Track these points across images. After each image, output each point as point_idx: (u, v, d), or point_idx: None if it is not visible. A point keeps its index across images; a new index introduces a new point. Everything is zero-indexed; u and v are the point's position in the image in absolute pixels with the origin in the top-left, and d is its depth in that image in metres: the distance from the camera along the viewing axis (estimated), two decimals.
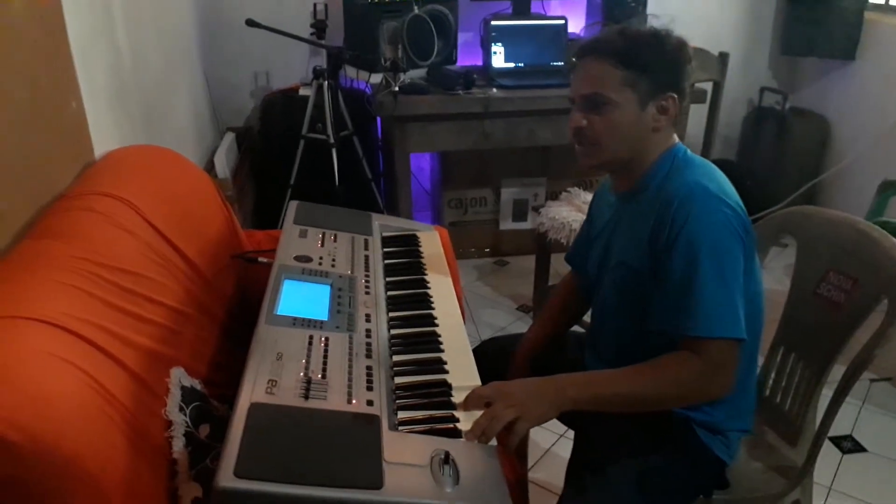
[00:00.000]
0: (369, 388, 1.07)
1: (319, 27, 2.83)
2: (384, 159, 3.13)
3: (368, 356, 1.16)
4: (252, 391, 0.99)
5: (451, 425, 1.05)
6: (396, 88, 2.40)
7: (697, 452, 1.24)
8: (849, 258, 1.35)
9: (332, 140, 2.61)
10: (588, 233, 1.46)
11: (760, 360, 1.50)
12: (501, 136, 2.72)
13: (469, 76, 2.69)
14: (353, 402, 1.03)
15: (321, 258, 1.44)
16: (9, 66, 1.19)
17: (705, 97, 2.81)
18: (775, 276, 2.69)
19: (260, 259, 1.59)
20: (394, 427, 1.02)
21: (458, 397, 1.11)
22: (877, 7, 3.16)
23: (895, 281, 1.24)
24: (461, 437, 1.02)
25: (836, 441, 2.10)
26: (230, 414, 0.95)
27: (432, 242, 1.69)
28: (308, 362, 1.09)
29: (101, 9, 1.69)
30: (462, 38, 2.96)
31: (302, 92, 2.83)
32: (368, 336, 1.22)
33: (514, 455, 1.30)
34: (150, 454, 1.03)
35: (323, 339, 1.16)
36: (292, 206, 1.65)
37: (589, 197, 2.21)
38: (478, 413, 1.06)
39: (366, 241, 1.58)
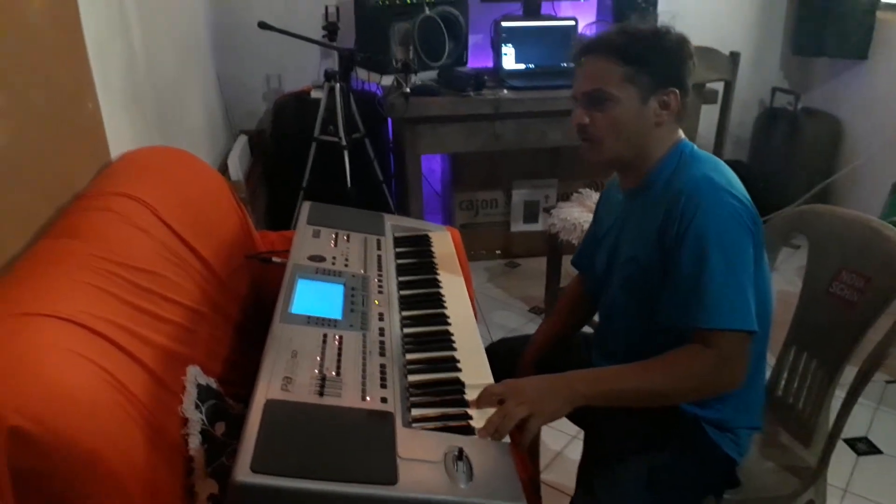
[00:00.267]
0: (383, 386, 1.08)
1: (331, 29, 2.84)
2: (395, 161, 3.14)
3: (382, 354, 1.17)
4: (268, 388, 1.00)
5: (465, 422, 1.05)
6: (408, 90, 2.41)
7: (707, 450, 1.24)
8: (861, 257, 1.35)
9: (343, 142, 2.63)
10: (595, 234, 1.46)
11: (773, 360, 1.50)
12: (512, 137, 2.72)
13: (480, 77, 2.70)
14: (368, 399, 1.04)
15: (334, 258, 1.45)
16: (27, 68, 1.21)
17: (716, 97, 2.80)
18: (787, 277, 2.68)
19: (274, 259, 1.61)
20: (407, 424, 1.02)
21: (471, 395, 1.12)
22: (889, 6, 3.14)
23: None
24: (474, 434, 1.03)
25: (851, 443, 2.09)
26: (246, 411, 0.96)
27: (444, 243, 1.70)
28: (322, 360, 1.10)
29: (117, 11, 1.71)
30: (473, 39, 2.97)
31: (314, 94, 2.85)
32: (382, 334, 1.23)
33: (526, 453, 1.30)
34: (167, 451, 1.04)
35: (337, 337, 1.17)
36: (305, 207, 1.66)
37: None
38: (491, 410, 1.07)
39: (378, 242, 1.59)
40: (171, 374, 1.14)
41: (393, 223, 1.72)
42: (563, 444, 2.00)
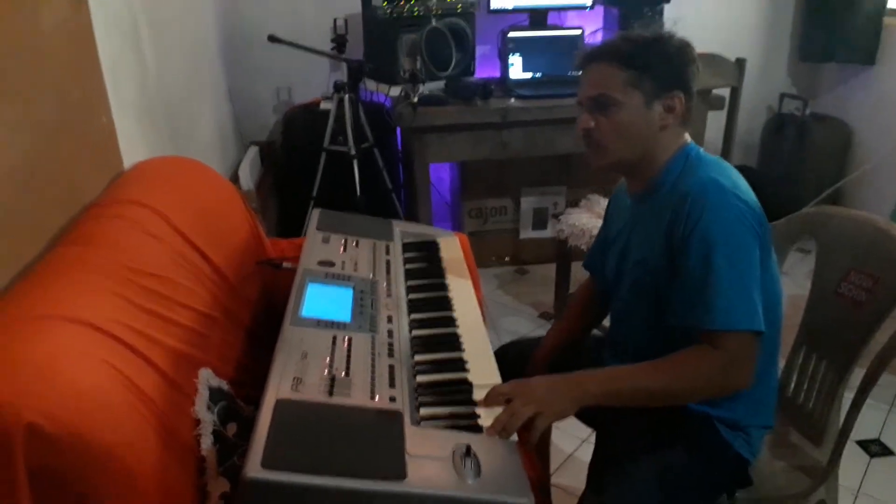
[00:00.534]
0: (392, 386, 1.09)
1: (340, 42, 2.88)
2: (404, 170, 3.17)
3: (391, 355, 1.18)
4: (278, 388, 1.02)
5: (473, 421, 1.06)
6: (415, 100, 2.43)
7: (719, 450, 1.25)
8: (869, 257, 1.35)
9: (353, 152, 2.66)
10: (605, 237, 1.47)
11: (783, 362, 1.50)
12: (520, 145, 2.74)
13: (487, 87, 2.73)
14: (376, 398, 1.05)
15: (343, 263, 1.46)
16: (43, 83, 1.25)
17: (723, 104, 2.81)
18: (798, 281, 2.67)
19: (284, 265, 1.63)
20: (416, 422, 1.03)
21: (478, 395, 1.13)
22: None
23: None
24: (482, 432, 1.04)
25: (864, 444, 2.08)
26: (257, 412, 0.98)
27: (452, 248, 1.71)
28: (332, 361, 1.11)
29: (129, 26, 1.75)
30: (480, 50, 3.00)
31: (323, 106, 2.88)
32: (390, 336, 1.24)
33: (534, 451, 1.31)
34: (180, 451, 1.06)
35: (346, 339, 1.19)
36: (315, 214, 1.69)
37: None
38: (499, 409, 1.08)
39: (387, 247, 1.60)
40: (184, 377, 1.16)
41: (401, 229, 1.74)
42: (574, 446, 2.00)
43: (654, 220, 1.24)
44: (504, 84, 2.92)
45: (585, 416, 1.43)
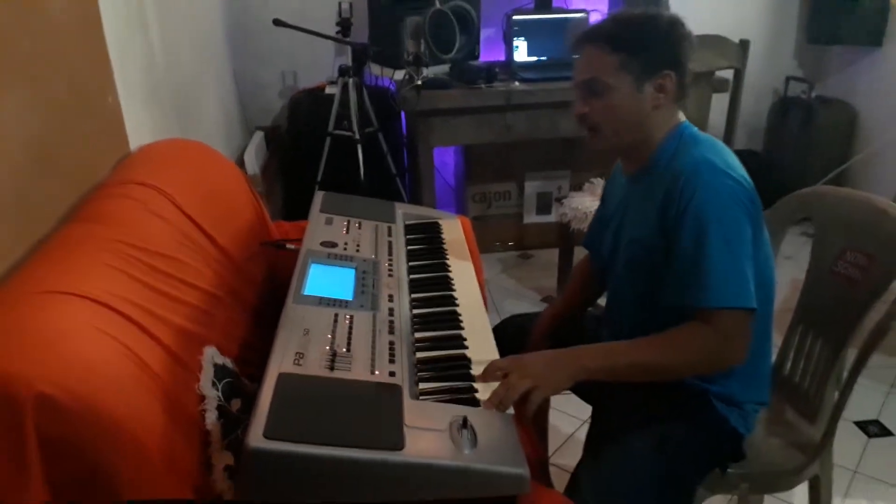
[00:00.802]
0: (392, 361, 1.12)
1: (345, 25, 2.89)
2: (409, 154, 3.18)
3: (391, 332, 1.21)
4: (280, 363, 1.05)
5: (470, 395, 1.09)
6: (419, 82, 2.45)
7: (714, 424, 1.27)
8: (865, 235, 1.36)
9: (357, 136, 2.67)
10: (602, 216, 1.49)
11: (780, 339, 1.52)
12: (524, 128, 2.75)
13: (491, 70, 2.73)
14: (377, 373, 1.07)
15: (346, 244, 1.49)
16: (51, 64, 1.27)
17: (728, 86, 2.81)
18: (801, 265, 2.64)
19: (288, 245, 1.65)
20: (415, 396, 1.06)
21: (476, 370, 1.15)
22: None
23: None
24: (479, 405, 1.06)
25: (863, 425, 2.09)
26: (259, 385, 1.00)
27: (454, 229, 1.73)
28: (333, 337, 1.14)
29: (136, 10, 1.77)
30: (485, 33, 3.00)
31: (328, 90, 2.89)
32: (391, 315, 1.27)
33: (532, 426, 1.34)
34: (185, 424, 1.09)
35: (348, 316, 1.21)
36: (319, 196, 1.71)
37: None
38: (496, 384, 1.10)
39: (389, 228, 1.63)
40: (189, 354, 1.19)
41: (404, 211, 1.76)
42: (573, 427, 2.03)
43: (648, 199, 1.25)
44: (509, 67, 2.92)
45: (582, 391, 1.46)
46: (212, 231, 1.47)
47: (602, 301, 1.56)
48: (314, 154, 2.79)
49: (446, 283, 1.45)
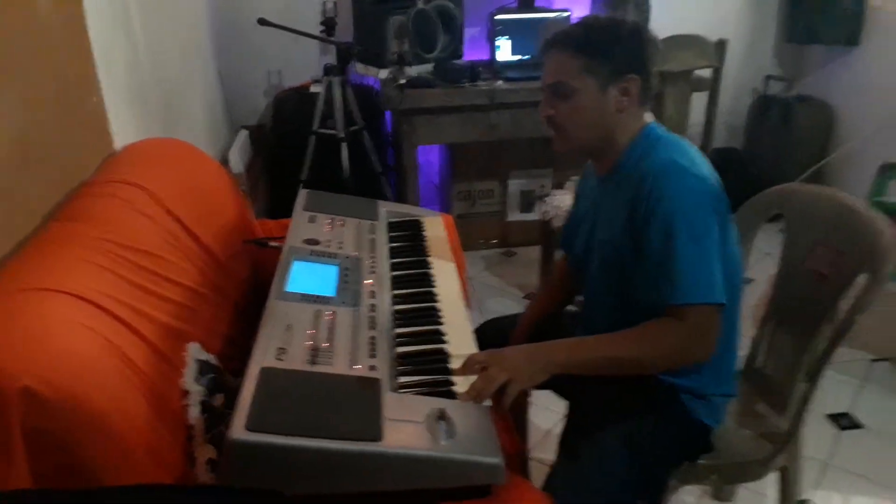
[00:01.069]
0: (372, 356, 1.14)
1: (329, 24, 2.90)
2: (393, 153, 3.20)
3: (372, 328, 1.23)
4: (263, 357, 1.07)
5: (448, 388, 1.12)
6: (403, 81, 2.47)
7: (683, 417, 1.31)
8: (834, 231, 1.40)
9: (342, 135, 2.69)
10: (575, 215, 1.53)
11: (753, 332, 1.57)
12: (507, 127, 2.78)
13: (475, 69, 2.76)
14: (357, 367, 1.10)
15: (329, 241, 1.51)
16: (36, 63, 1.29)
17: (707, 85, 2.85)
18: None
19: (271, 243, 1.67)
20: (394, 389, 1.09)
21: (455, 365, 1.18)
22: None
23: (875, 250, 1.29)
24: (457, 398, 1.09)
25: (835, 418, 2.14)
26: (242, 379, 1.03)
27: (436, 227, 1.76)
28: (315, 333, 1.17)
29: (120, 9, 1.78)
30: (468, 33, 3.02)
31: (313, 89, 2.90)
32: (373, 310, 1.29)
33: (508, 417, 1.37)
34: (169, 418, 1.11)
35: (329, 312, 1.24)
36: (302, 194, 1.73)
37: None
38: (474, 377, 1.13)
39: (372, 226, 1.65)
40: (173, 349, 1.21)
41: (387, 209, 1.79)
42: (551, 422, 2.06)
43: (618, 201, 1.29)
44: (492, 66, 2.95)
45: (559, 388, 1.49)
46: (196, 229, 1.49)
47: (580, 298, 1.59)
48: (299, 152, 2.80)
49: (427, 280, 1.48)
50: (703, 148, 2.64)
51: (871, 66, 3.16)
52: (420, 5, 2.53)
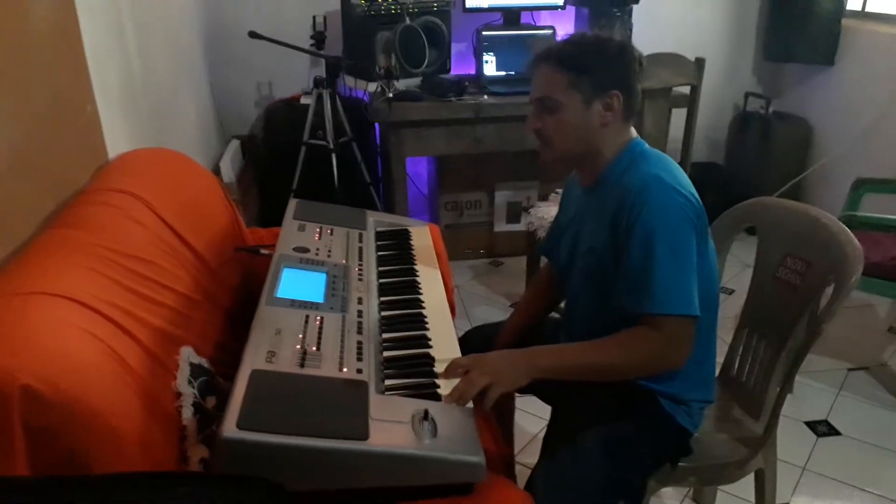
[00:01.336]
0: (359, 359, 1.18)
1: (319, 38, 2.96)
2: (382, 164, 3.25)
3: (359, 333, 1.27)
4: (253, 360, 1.11)
5: (432, 390, 1.16)
6: (390, 95, 2.52)
7: (663, 421, 1.35)
8: (803, 243, 1.47)
9: (331, 146, 2.74)
10: (559, 224, 1.58)
11: (730, 339, 1.62)
12: (493, 140, 2.84)
13: (461, 84, 2.82)
14: (345, 370, 1.14)
15: (318, 249, 1.55)
16: (32, 74, 1.32)
17: (686, 102, 2.92)
18: None
19: (262, 251, 1.71)
20: (380, 391, 1.13)
21: (439, 368, 1.23)
22: (854, 14, 3.29)
23: (841, 260, 1.35)
24: (441, 400, 1.13)
25: (812, 425, 2.20)
26: (233, 381, 1.06)
27: (423, 236, 1.81)
28: (304, 337, 1.21)
29: (114, 22, 1.82)
30: (456, 48, 3.09)
31: (303, 101, 2.96)
32: (360, 316, 1.34)
33: (491, 418, 1.41)
34: (162, 419, 1.14)
35: (318, 318, 1.28)
36: (292, 204, 1.77)
37: None
38: (457, 380, 1.17)
39: (360, 235, 1.69)
40: (166, 353, 1.24)
41: (375, 219, 1.83)
42: (538, 428, 2.10)
43: (601, 212, 1.34)
44: (478, 81, 3.01)
45: (541, 392, 1.53)
46: (188, 237, 1.52)
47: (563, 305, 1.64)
48: (289, 163, 2.85)
49: (414, 287, 1.52)
50: (682, 163, 2.71)
51: (846, 84, 3.26)
52: (407, 22, 2.59)
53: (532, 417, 2.10)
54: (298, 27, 3.02)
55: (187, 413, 1.21)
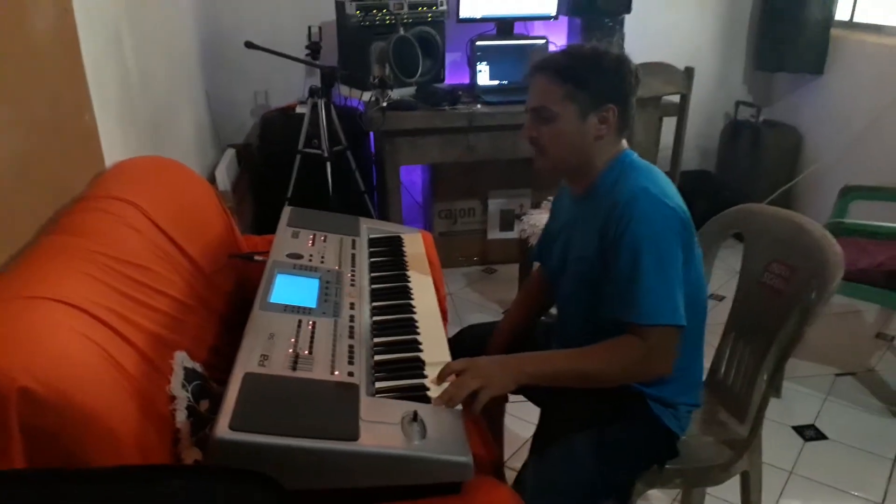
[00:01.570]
0: (350, 363, 1.21)
1: (314, 48, 2.99)
2: (377, 172, 3.28)
3: (351, 337, 1.30)
4: (246, 363, 1.14)
5: (422, 393, 1.19)
6: (385, 104, 2.56)
7: (651, 424, 1.38)
8: (788, 249, 1.50)
9: (326, 154, 2.77)
10: (550, 230, 1.60)
11: (717, 344, 1.65)
12: (486, 149, 2.88)
13: (455, 93, 2.85)
14: (336, 373, 1.17)
15: (311, 256, 1.58)
16: (32, 84, 1.35)
17: (677, 111, 2.97)
18: None
19: (255, 258, 1.73)
20: (371, 394, 1.15)
21: (429, 371, 1.25)
22: (842, 24, 3.34)
23: (823, 265, 1.38)
24: (430, 402, 1.16)
25: (800, 429, 2.23)
26: (227, 383, 1.09)
27: (415, 243, 1.83)
28: (297, 341, 1.23)
29: (112, 33, 1.85)
30: (450, 57, 3.13)
31: (298, 110, 2.99)
32: (352, 321, 1.36)
33: (480, 421, 1.43)
34: (157, 422, 1.16)
35: (311, 322, 1.30)
36: (286, 211, 1.80)
37: None
38: (447, 384, 1.20)
39: (353, 242, 1.72)
40: (161, 357, 1.26)
41: (368, 226, 1.86)
42: (528, 431, 2.12)
43: (591, 222, 1.36)
44: (472, 90, 3.05)
45: (532, 395, 1.56)
46: (183, 243, 1.55)
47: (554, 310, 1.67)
48: (285, 171, 2.87)
49: (405, 293, 1.55)
50: (672, 171, 2.75)
51: (835, 93, 3.31)
52: (401, 32, 2.63)
53: (522, 422, 2.12)
54: (294, 37, 3.06)
55: (181, 416, 1.23)
